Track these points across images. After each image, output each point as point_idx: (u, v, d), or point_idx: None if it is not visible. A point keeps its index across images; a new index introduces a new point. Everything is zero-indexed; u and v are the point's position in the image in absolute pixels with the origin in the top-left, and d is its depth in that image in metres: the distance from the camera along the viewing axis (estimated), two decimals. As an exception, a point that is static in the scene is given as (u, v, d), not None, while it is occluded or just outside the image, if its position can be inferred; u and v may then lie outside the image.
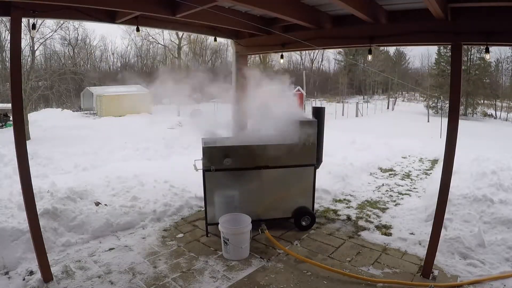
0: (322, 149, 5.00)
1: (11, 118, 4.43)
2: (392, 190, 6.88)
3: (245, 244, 4.09)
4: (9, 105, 17.88)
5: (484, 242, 4.20)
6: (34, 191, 3.49)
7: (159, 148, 11.90)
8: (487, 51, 3.73)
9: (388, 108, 38.87)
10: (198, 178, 4.67)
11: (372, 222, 5.20)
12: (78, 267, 3.82)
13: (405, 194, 6.68)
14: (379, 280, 3.60)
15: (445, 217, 3.75)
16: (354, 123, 24.22)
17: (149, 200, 5.52)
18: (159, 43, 43.45)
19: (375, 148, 10.81)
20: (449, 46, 3.72)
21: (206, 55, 49.14)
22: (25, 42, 19.60)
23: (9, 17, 3.29)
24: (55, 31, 25.35)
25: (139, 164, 8.73)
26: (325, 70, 56.86)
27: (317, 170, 4.92)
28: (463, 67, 3.73)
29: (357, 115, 31.02)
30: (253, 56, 6.19)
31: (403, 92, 53.90)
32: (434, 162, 9.53)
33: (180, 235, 4.73)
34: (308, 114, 5.13)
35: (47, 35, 24.66)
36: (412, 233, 4.78)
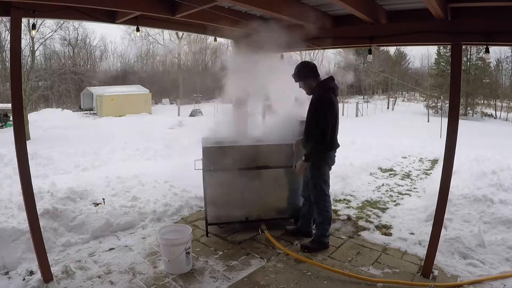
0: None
1: (11, 118, 4.43)
2: (392, 190, 6.88)
3: (174, 257, 3.65)
4: (9, 105, 17.89)
5: (484, 242, 4.20)
6: (34, 191, 3.48)
7: (159, 148, 11.92)
8: (487, 51, 3.73)
9: (388, 108, 38.93)
10: (198, 178, 4.66)
11: (372, 222, 5.20)
12: (78, 267, 3.82)
13: (405, 194, 6.67)
14: (379, 280, 3.60)
15: (445, 217, 3.74)
16: (354, 123, 24.24)
17: (149, 200, 5.52)
18: (159, 43, 43.51)
19: (375, 148, 10.81)
20: (449, 46, 3.72)
21: (206, 55, 49.13)
22: (25, 42, 19.62)
23: (9, 17, 3.28)
24: (55, 31, 25.46)
25: (139, 164, 8.76)
26: (325, 70, 56.79)
27: (317, 170, 4.91)
28: (463, 67, 3.73)
29: (357, 115, 31.06)
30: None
31: (403, 92, 53.88)
32: (434, 162, 9.52)
33: (180, 235, 4.72)
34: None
35: (47, 35, 24.73)
36: (412, 233, 4.78)
